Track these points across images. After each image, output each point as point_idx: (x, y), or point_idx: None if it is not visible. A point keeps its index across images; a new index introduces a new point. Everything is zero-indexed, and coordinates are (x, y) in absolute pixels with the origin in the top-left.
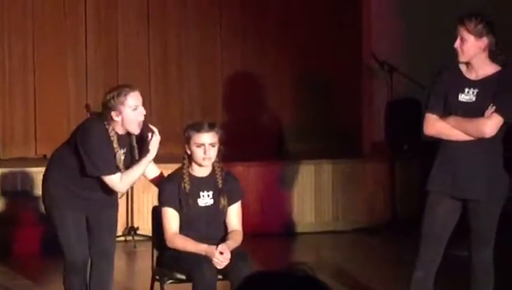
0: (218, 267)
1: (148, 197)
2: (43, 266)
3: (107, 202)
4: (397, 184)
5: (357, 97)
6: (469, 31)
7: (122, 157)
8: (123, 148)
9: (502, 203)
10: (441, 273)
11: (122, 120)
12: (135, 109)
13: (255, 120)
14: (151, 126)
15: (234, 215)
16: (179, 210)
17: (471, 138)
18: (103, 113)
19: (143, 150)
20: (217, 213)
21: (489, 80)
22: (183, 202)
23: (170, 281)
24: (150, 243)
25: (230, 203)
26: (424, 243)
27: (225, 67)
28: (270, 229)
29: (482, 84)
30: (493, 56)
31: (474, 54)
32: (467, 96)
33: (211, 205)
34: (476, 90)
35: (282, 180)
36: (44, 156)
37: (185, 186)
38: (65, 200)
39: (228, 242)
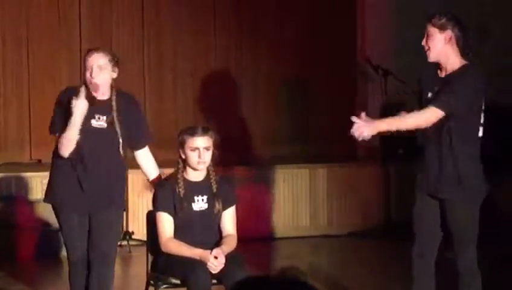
0: (213, 271)
1: (143, 202)
2: (38, 271)
3: (109, 199)
4: (392, 188)
5: (351, 101)
6: (433, 25)
7: (96, 124)
8: (100, 115)
9: (478, 203)
10: (437, 274)
11: (85, 79)
12: (89, 69)
13: (249, 124)
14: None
15: (229, 219)
16: (174, 215)
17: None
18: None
19: (126, 118)
20: (211, 217)
21: (449, 76)
22: (178, 206)
23: (165, 285)
24: (145, 248)
25: (224, 207)
26: (415, 240)
27: (219, 71)
28: (264, 233)
29: (444, 82)
30: (462, 53)
31: (440, 48)
32: (431, 94)
33: (206, 209)
34: (437, 88)
35: (276, 184)
36: (39, 160)
37: (179, 191)
38: (67, 199)
39: (223, 246)
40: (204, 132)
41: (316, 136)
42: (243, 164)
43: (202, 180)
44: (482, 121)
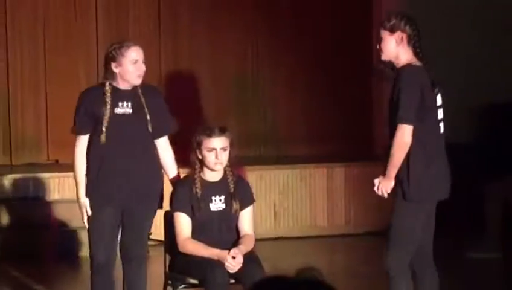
0: (231, 271)
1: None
2: (56, 271)
3: (145, 193)
4: None
5: (368, 99)
6: (384, 28)
7: (120, 111)
8: (124, 102)
9: (416, 204)
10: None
11: (121, 72)
12: (135, 62)
13: (266, 122)
14: None
15: (246, 219)
16: (191, 215)
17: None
18: (104, 66)
19: (150, 105)
20: (229, 217)
21: (395, 80)
22: (195, 206)
23: (183, 285)
24: (162, 248)
25: (242, 207)
26: None
27: (237, 70)
28: (282, 233)
29: (393, 85)
30: (415, 52)
31: (391, 49)
32: (390, 97)
33: (223, 209)
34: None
35: (294, 183)
36: (57, 161)
37: (196, 191)
38: (100, 190)
39: (240, 246)
40: (221, 132)
41: (334, 135)
42: (260, 162)
43: (219, 181)
44: (440, 117)
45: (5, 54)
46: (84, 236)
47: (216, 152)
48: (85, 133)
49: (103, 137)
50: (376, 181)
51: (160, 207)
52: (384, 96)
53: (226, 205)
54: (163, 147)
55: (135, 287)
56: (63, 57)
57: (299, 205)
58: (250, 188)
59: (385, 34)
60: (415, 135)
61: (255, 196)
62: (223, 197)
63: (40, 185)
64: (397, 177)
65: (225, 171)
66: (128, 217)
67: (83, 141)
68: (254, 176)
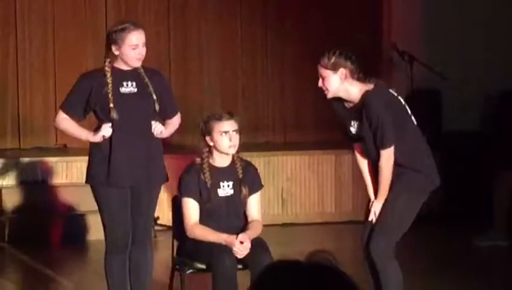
0: (239, 256)
1: (168, 187)
2: (63, 256)
3: (151, 171)
4: None
5: None
6: (326, 68)
7: (126, 90)
8: (128, 82)
9: (417, 192)
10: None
11: (121, 55)
12: (134, 48)
13: (275, 109)
14: None
15: (254, 205)
16: (199, 200)
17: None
18: (106, 46)
19: (156, 86)
20: (237, 203)
21: (358, 109)
22: (204, 192)
23: (190, 270)
24: (170, 233)
25: (250, 193)
26: None
27: (245, 58)
28: (290, 219)
29: (356, 114)
30: (361, 80)
31: (337, 87)
32: (353, 128)
33: (231, 195)
34: (356, 123)
35: (302, 170)
36: (65, 145)
37: (205, 177)
38: (106, 173)
39: (248, 232)
40: (231, 116)
41: None
42: (268, 149)
43: (227, 166)
44: (415, 122)
45: (14, 39)
46: (91, 220)
47: (230, 135)
48: (70, 112)
49: (114, 114)
50: (372, 210)
51: (167, 180)
52: (392, 84)
53: (234, 191)
54: (174, 120)
55: (141, 271)
56: (72, 42)
57: (306, 192)
58: (258, 174)
59: (327, 73)
60: (402, 139)
61: (262, 182)
62: (231, 183)
63: (48, 169)
64: (404, 166)
65: (233, 157)
66: (135, 199)
67: (63, 117)
68: (262, 163)
